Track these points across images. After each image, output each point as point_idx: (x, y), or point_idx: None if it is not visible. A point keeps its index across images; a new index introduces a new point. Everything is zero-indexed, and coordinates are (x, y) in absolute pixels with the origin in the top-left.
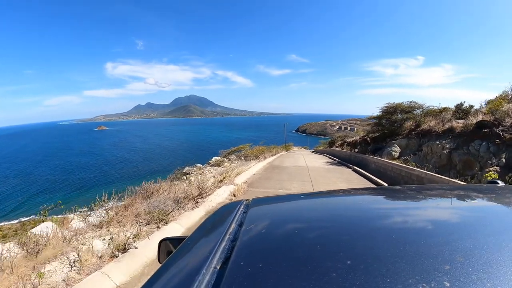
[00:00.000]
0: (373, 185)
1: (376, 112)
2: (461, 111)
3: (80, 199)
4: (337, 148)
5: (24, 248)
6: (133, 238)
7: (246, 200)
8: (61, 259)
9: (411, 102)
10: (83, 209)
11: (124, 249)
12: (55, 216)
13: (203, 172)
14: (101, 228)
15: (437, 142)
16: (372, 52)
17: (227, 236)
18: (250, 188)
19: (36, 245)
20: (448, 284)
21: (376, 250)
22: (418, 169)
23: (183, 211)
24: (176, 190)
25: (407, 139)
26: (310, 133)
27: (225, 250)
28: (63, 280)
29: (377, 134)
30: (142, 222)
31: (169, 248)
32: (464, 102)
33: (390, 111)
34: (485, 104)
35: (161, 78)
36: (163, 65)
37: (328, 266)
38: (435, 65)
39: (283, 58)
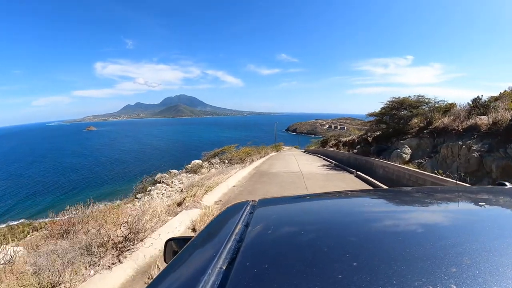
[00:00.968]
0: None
1: (375, 108)
2: (481, 105)
3: (71, 201)
4: (331, 148)
5: None
6: None
7: (252, 200)
8: None
9: (418, 96)
10: None
11: None
12: None
13: (172, 182)
14: None
15: (459, 142)
16: (362, 52)
17: (233, 237)
18: None
19: None
20: (454, 287)
21: (383, 252)
22: (458, 181)
23: (91, 271)
24: (116, 219)
25: (417, 138)
26: (300, 132)
27: (231, 251)
28: None
29: (380, 133)
30: None
31: (175, 248)
32: (482, 95)
33: (395, 107)
34: (487, 100)
35: (150, 78)
36: (153, 65)
37: (334, 267)
38: (424, 64)
39: (273, 57)
